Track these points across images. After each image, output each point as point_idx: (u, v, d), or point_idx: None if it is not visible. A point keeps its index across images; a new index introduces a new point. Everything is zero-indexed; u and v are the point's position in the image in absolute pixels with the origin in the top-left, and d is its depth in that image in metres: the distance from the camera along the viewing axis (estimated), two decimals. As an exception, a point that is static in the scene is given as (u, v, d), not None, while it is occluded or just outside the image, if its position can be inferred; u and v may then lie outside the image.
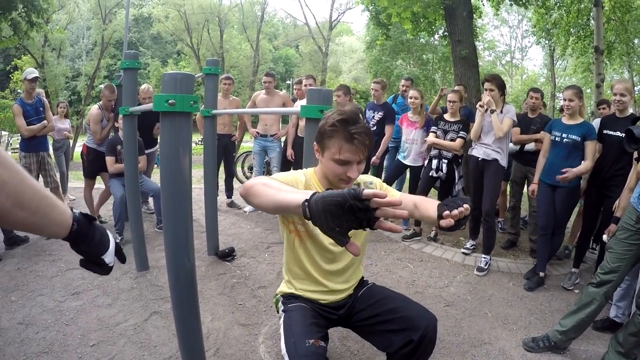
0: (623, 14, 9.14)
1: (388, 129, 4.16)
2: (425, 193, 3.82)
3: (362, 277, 1.66)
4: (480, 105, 3.28)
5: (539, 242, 3.13)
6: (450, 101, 3.70)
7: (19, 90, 15.06)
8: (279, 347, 1.68)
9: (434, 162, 3.73)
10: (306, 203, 0.83)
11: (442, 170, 3.69)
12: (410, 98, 3.98)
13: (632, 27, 10.33)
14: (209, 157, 3.32)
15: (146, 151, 3.98)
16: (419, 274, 3.24)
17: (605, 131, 2.93)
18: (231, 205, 4.91)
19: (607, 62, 10.60)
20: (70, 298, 2.57)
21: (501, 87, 3.27)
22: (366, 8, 8.48)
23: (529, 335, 2.35)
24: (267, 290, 2.78)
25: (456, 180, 3.76)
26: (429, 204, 1.30)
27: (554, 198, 3.02)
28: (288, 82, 26.79)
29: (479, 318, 2.57)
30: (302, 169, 1.51)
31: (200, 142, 13.80)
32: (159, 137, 4.08)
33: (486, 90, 3.25)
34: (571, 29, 9.35)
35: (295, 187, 1.20)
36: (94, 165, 4.04)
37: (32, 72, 3.68)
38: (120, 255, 0.87)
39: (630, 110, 3.05)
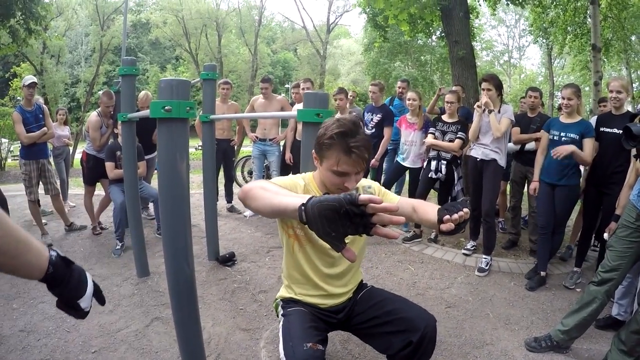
0: (620, 11, 9.16)
1: (387, 131, 4.16)
2: (424, 195, 3.82)
3: (361, 281, 1.66)
4: (478, 106, 3.29)
5: (539, 241, 3.13)
6: (447, 102, 3.70)
7: (18, 98, 15.09)
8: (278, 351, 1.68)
9: (433, 163, 3.73)
10: (302, 207, 0.83)
11: (441, 172, 3.69)
12: (409, 100, 3.98)
13: (629, 24, 10.35)
14: (208, 162, 3.32)
15: (146, 157, 3.99)
16: (419, 275, 3.23)
17: (602, 129, 2.93)
18: (231, 210, 4.91)
19: (605, 59, 10.62)
20: (71, 305, 2.56)
21: (498, 86, 3.28)
22: (363, 10, 8.51)
23: (531, 335, 2.34)
24: (268, 294, 2.78)
25: (455, 181, 3.76)
26: (428, 208, 1.30)
27: (554, 197, 3.02)
28: (287, 85, 26.84)
29: (480, 319, 2.56)
30: (300, 173, 1.51)
31: (199, 147, 13.82)
32: (158, 143, 4.09)
33: (484, 90, 3.26)
34: (568, 27, 9.36)
35: (294, 191, 1.20)
36: (93, 172, 4.05)
37: (29, 78, 3.70)
38: (99, 297, 0.86)
39: (627, 108, 3.05)
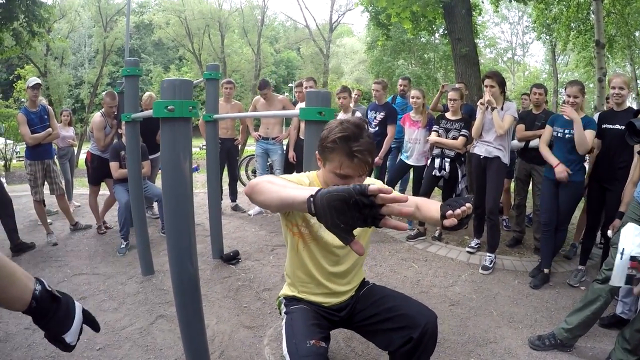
0: (623, 6, 9.10)
1: (390, 129, 4.16)
2: (428, 192, 3.81)
3: (364, 279, 1.67)
4: (481, 103, 3.28)
5: (542, 238, 3.12)
6: (451, 99, 3.69)
7: (22, 100, 15.20)
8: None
9: (437, 161, 3.72)
10: (311, 199, 0.83)
11: (445, 169, 3.68)
12: (412, 98, 3.97)
13: (632, 19, 10.27)
14: (211, 162, 3.34)
15: (150, 157, 4.02)
16: (423, 273, 3.23)
17: (604, 125, 2.90)
18: (235, 208, 4.93)
19: (609, 55, 10.53)
20: (77, 304, 2.59)
21: (501, 83, 3.26)
22: (366, 9, 8.51)
23: (535, 333, 2.34)
24: (271, 292, 2.79)
25: (459, 179, 3.75)
26: (430, 205, 1.30)
27: (558, 194, 3.01)
28: (290, 84, 26.84)
29: (484, 317, 2.56)
30: (302, 171, 1.52)
31: (203, 147, 13.86)
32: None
33: (487, 86, 3.25)
34: (571, 24, 9.31)
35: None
36: (98, 172, 4.08)
37: (33, 80, 3.74)
38: (93, 326, 0.86)
39: (628, 104, 3.03)
